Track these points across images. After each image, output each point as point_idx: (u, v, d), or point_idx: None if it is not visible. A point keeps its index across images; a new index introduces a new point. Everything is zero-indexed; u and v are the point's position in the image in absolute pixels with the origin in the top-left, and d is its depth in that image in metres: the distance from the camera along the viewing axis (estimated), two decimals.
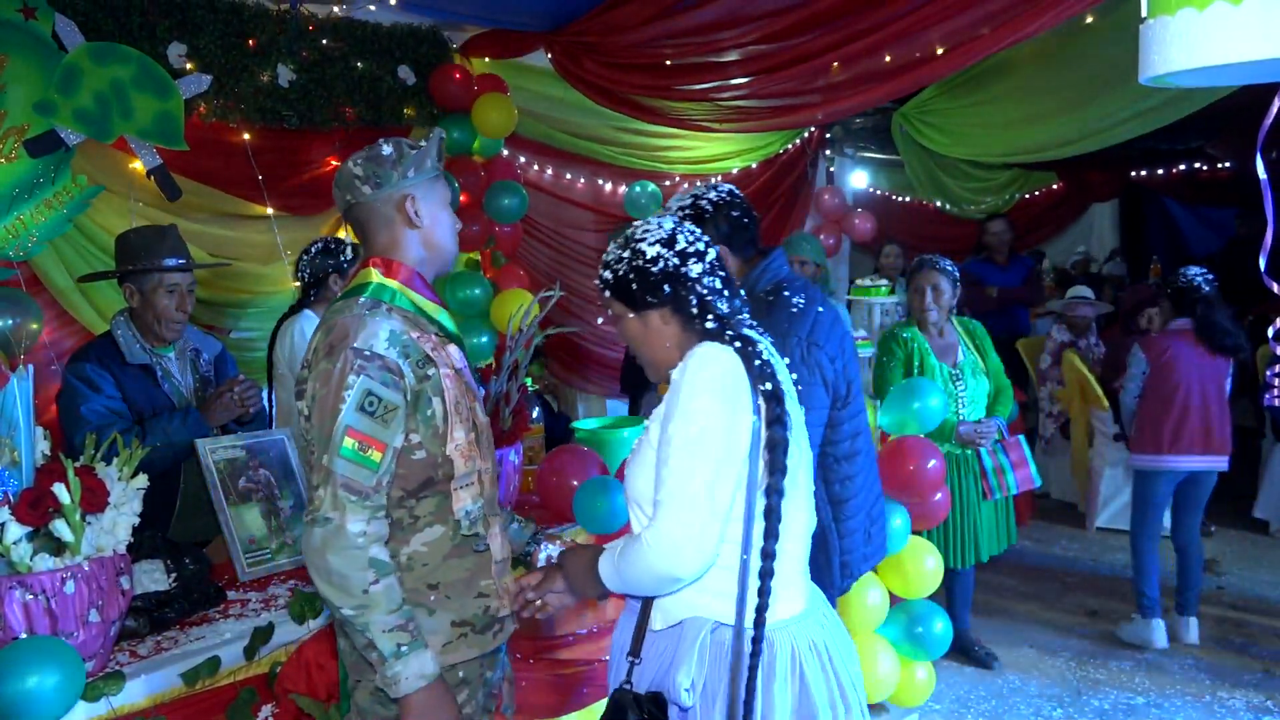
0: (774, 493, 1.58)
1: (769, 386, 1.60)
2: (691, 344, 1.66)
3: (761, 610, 1.56)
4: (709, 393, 1.57)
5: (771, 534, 1.57)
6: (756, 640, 1.57)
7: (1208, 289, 4.10)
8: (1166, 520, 4.36)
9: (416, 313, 1.78)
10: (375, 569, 1.63)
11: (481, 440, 1.83)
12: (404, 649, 1.63)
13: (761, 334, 1.72)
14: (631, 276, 1.69)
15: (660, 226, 1.72)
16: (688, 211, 2.29)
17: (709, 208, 2.27)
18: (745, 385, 1.60)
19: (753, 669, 1.55)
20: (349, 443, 1.62)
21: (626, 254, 1.71)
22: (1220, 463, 4.16)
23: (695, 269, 1.68)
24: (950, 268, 3.74)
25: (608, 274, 1.73)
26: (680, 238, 1.70)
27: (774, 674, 1.60)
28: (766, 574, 1.56)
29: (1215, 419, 4.11)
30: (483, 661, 1.84)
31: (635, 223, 1.76)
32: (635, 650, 1.69)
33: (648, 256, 1.68)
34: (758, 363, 1.61)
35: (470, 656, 1.78)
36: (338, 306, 1.75)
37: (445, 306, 1.88)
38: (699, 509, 1.53)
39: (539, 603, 1.81)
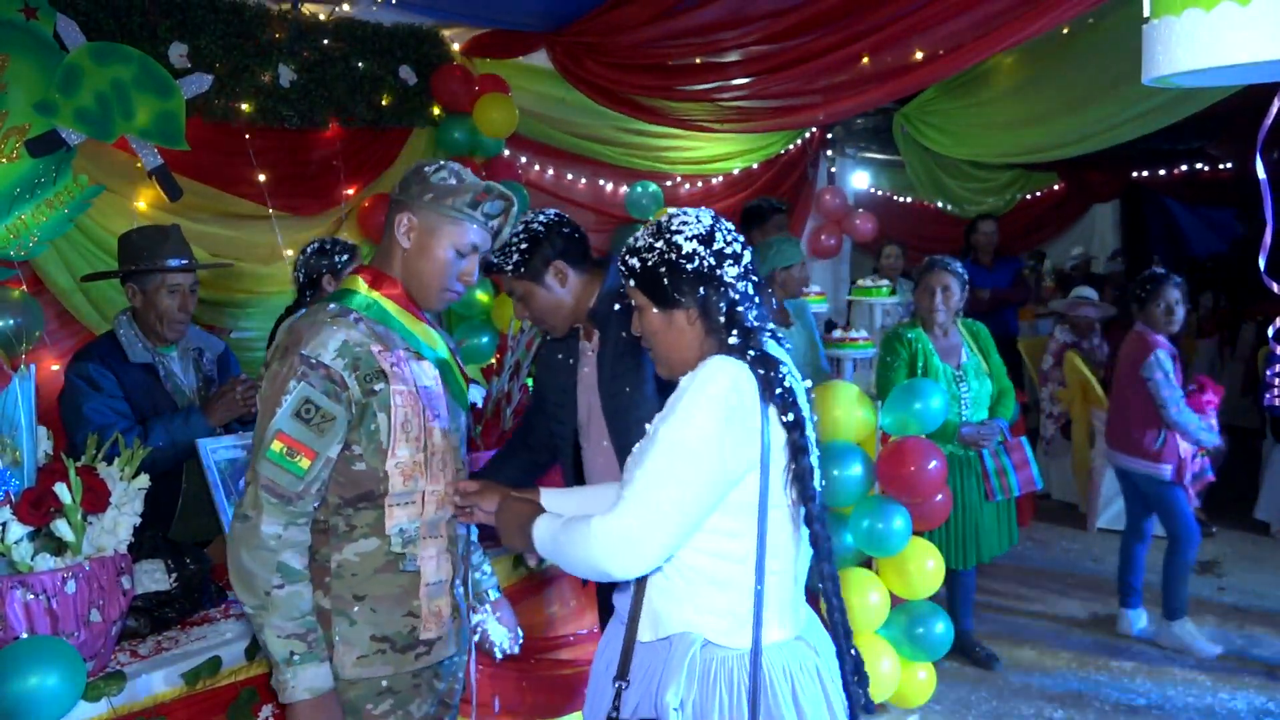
0: (815, 520, 1.55)
1: (791, 417, 1.53)
2: (711, 352, 1.59)
3: (844, 628, 1.62)
4: (710, 407, 1.50)
5: (825, 556, 1.58)
6: (859, 667, 1.62)
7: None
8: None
9: (391, 327, 1.77)
10: (282, 574, 1.64)
11: (433, 462, 1.80)
12: (297, 658, 1.64)
13: (781, 342, 1.65)
14: (663, 270, 1.59)
15: (699, 220, 1.62)
16: (521, 235, 2.27)
17: (541, 229, 2.27)
18: (754, 408, 1.52)
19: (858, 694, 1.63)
20: (276, 446, 1.64)
21: (660, 245, 1.60)
22: (1127, 462, 4.12)
23: (731, 272, 1.59)
24: (960, 269, 3.74)
25: (635, 262, 1.63)
26: (719, 235, 1.60)
27: (776, 697, 1.54)
28: (835, 595, 1.61)
29: (1121, 416, 4.14)
30: (422, 673, 1.81)
31: (670, 212, 1.66)
32: (623, 672, 1.61)
33: (683, 252, 1.58)
34: (779, 390, 1.53)
35: (383, 674, 1.75)
36: (310, 310, 1.76)
37: (434, 325, 1.88)
38: (659, 517, 1.47)
39: (466, 508, 1.82)
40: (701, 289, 1.59)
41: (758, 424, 1.51)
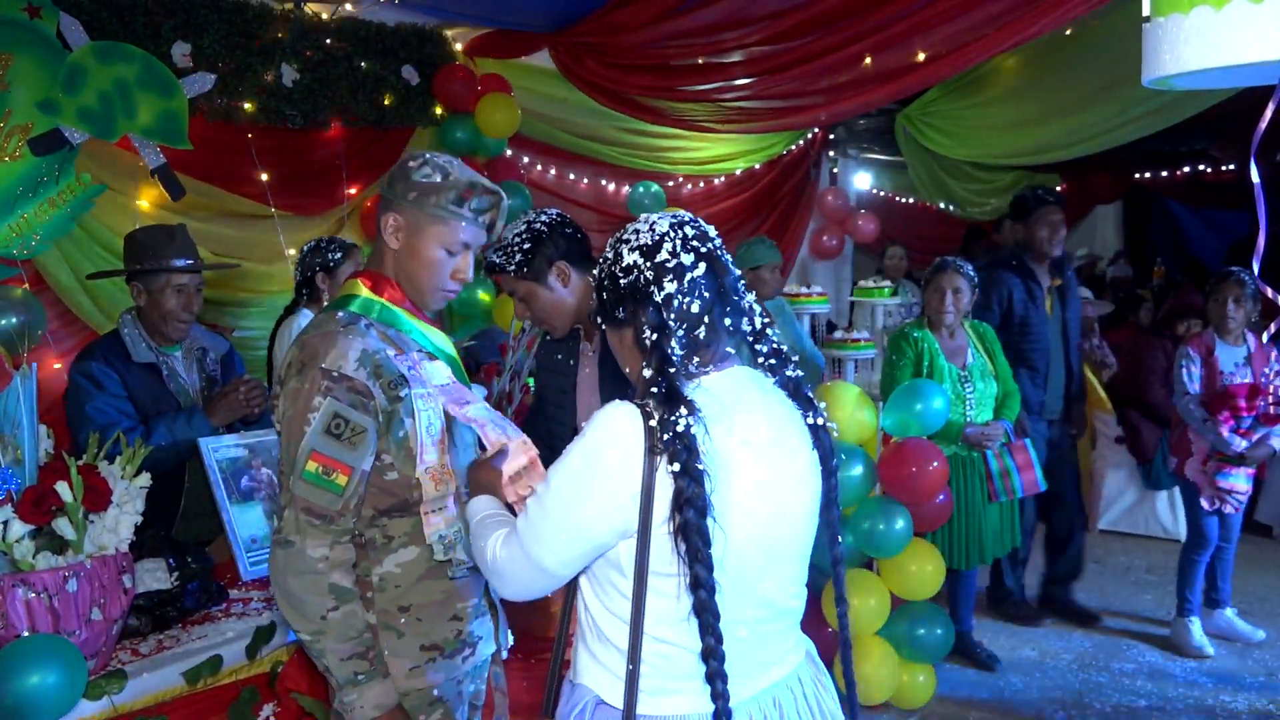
0: (700, 587, 1.30)
1: (678, 466, 1.28)
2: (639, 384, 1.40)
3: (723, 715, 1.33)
4: (580, 461, 1.35)
5: (707, 629, 1.32)
6: None
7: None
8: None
9: (400, 330, 1.74)
10: (335, 595, 1.60)
11: (475, 454, 1.77)
12: (360, 677, 1.61)
13: (765, 371, 1.48)
14: (606, 283, 1.44)
15: (652, 229, 1.42)
16: (523, 235, 2.23)
17: (543, 229, 2.24)
18: (631, 469, 1.32)
19: None
20: (311, 466, 1.59)
21: (610, 255, 1.45)
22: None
23: (669, 288, 1.37)
24: (971, 271, 3.75)
25: (596, 272, 1.49)
26: (666, 246, 1.39)
27: None
28: (718, 675, 1.33)
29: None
30: (461, 678, 1.80)
31: (642, 217, 1.50)
32: (550, 709, 1.53)
33: (623, 264, 1.41)
34: (669, 435, 1.29)
35: (436, 681, 1.74)
36: (317, 320, 1.72)
37: (438, 325, 1.85)
38: (522, 559, 1.41)
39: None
40: (622, 309, 1.42)
41: (635, 486, 1.32)
